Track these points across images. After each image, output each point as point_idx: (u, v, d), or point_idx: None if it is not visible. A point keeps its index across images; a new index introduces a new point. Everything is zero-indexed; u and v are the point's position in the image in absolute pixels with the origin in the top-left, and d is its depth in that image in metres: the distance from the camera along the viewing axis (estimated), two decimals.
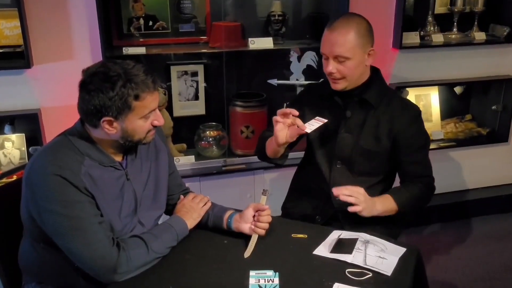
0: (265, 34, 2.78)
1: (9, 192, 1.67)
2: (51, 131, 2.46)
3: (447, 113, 3.29)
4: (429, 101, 3.18)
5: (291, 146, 2.02)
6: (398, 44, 2.79)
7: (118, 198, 1.49)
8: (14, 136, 2.56)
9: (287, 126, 1.71)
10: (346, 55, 1.71)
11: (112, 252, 1.38)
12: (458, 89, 3.28)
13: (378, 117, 1.82)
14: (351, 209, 1.66)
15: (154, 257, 1.47)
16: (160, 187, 1.64)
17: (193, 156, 2.78)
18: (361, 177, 1.87)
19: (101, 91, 1.34)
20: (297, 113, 1.69)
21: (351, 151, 1.85)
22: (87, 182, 1.39)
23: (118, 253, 1.39)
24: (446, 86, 3.21)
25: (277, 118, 1.72)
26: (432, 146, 3.08)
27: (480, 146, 3.23)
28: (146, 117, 1.42)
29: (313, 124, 1.71)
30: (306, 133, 1.72)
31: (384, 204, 1.77)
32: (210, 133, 2.81)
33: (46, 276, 1.56)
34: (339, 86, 1.80)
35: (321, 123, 1.71)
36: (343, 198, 1.65)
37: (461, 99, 3.33)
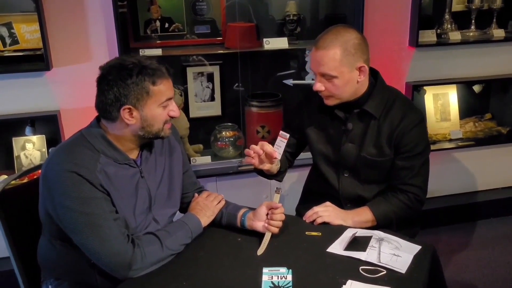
0: (280, 34, 2.78)
1: (28, 191, 1.71)
2: (70, 132, 2.44)
3: (466, 112, 3.25)
4: (447, 100, 3.14)
5: (293, 156, 2.02)
6: (415, 42, 2.77)
7: (133, 195, 1.51)
8: (34, 138, 2.62)
9: (259, 157, 1.69)
10: (332, 74, 1.66)
11: (127, 249, 1.41)
12: (477, 88, 3.23)
13: (380, 126, 1.76)
14: (317, 222, 1.68)
15: (168, 254, 1.48)
16: (174, 185, 1.66)
17: (210, 156, 2.80)
18: (370, 185, 1.85)
19: (120, 79, 1.40)
20: (260, 151, 1.66)
21: (355, 161, 1.81)
22: (103, 179, 1.41)
23: (133, 249, 1.41)
24: (465, 85, 3.16)
25: (248, 151, 1.68)
26: (450, 145, 3.05)
27: (500, 145, 3.17)
28: (163, 105, 1.47)
29: (280, 145, 1.67)
30: (276, 158, 1.68)
31: (360, 216, 1.74)
32: (226, 134, 2.82)
33: (63, 273, 1.59)
34: (330, 102, 1.76)
35: (286, 140, 1.67)
36: (309, 221, 1.70)
37: (480, 97, 3.28)
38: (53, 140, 2.61)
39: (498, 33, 2.94)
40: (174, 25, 2.72)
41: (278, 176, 1.90)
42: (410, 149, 1.75)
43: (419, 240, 1.72)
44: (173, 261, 1.49)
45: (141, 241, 1.46)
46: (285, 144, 1.67)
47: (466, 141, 3.09)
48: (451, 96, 3.14)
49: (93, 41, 2.48)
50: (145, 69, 1.43)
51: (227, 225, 1.68)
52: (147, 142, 1.57)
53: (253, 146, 1.67)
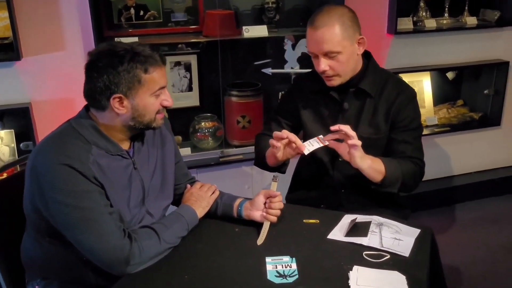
0: (258, 22, 2.73)
1: (7, 187, 1.61)
2: (43, 126, 2.37)
3: (439, 98, 3.31)
4: (421, 87, 3.18)
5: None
6: (393, 30, 2.79)
7: (126, 187, 1.44)
8: (3, 132, 2.47)
9: (284, 146, 1.64)
10: (336, 50, 1.66)
11: (124, 243, 1.33)
12: (450, 75, 3.29)
13: (375, 104, 1.78)
14: (351, 141, 1.58)
15: (166, 247, 1.42)
16: (167, 176, 1.60)
17: (189, 148, 2.73)
18: None
19: (110, 66, 1.32)
20: (294, 137, 1.61)
21: None
22: (96, 171, 1.34)
23: (131, 244, 1.34)
24: (438, 72, 3.22)
25: (273, 142, 1.63)
26: (426, 132, 3.10)
27: (473, 131, 3.26)
28: (156, 94, 1.40)
29: (313, 144, 1.62)
30: (304, 154, 1.63)
31: (374, 163, 1.69)
32: (206, 125, 2.76)
33: (51, 272, 1.50)
34: (334, 82, 1.74)
35: (321, 145, 1.63)
36: (343, 128, 1.58)
37: (453, 84, 3.35)
38: (23, 134, 2.47)
39: (471, 20, 3.00)
40: (149, 12, 2.62)
41: (281, 168, 1.85)
42: (407, 124, 1.77)
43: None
44: (172, 255, 1.43)
45: (137, 235, 1.38)
46: (318, 146, 1.62)
47: (441, 127, 3.15)
48: (425, 83, 3.19)
49: (66, 29, 2.35)
50: (137, 56, 1.35)
51: (222, 216, 1.63)
52: (138, 133, 1.50)
53: (285, 131, 1.62)
